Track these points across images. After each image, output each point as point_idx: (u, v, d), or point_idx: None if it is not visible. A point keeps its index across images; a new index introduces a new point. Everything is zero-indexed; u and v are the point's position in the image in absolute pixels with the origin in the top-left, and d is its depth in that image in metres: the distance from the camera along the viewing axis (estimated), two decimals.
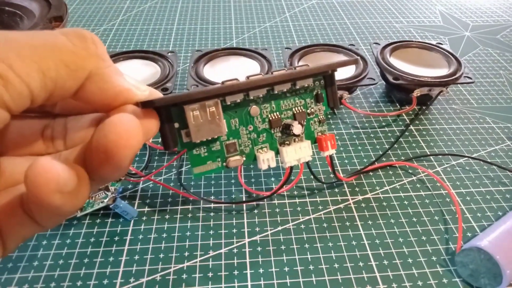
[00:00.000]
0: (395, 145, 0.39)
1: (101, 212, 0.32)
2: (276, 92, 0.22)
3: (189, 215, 0.32)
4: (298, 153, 0.24)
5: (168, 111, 0.19)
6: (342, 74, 0.43)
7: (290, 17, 0.65)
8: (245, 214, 0.32)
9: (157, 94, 0.19)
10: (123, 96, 0.17)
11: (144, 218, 0.31)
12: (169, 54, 0.45)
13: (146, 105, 0.17)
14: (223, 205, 0.33)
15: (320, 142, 0.24)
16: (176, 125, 0.20)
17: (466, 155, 0.38)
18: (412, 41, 0.48)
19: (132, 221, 0.31)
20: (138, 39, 0.58)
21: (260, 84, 0.21)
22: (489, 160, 0.37)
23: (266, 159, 0.23)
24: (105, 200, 0.31)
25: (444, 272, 0.28)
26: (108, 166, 0.15)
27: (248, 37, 0.59)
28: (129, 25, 0.62)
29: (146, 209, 0.32)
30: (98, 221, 0.31)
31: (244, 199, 0.33)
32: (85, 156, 0.16)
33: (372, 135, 0.41)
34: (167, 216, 0.32)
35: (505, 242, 0.27)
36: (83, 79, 0.16)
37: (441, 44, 0.48)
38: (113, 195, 0.32)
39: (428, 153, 0.38)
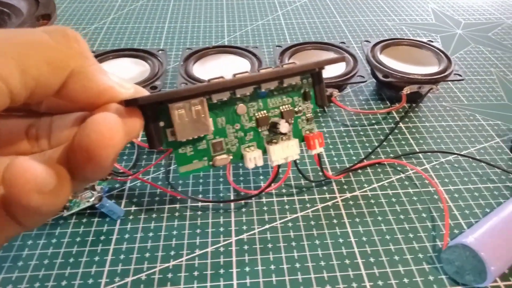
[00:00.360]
0: (384, 143, 0.39)
1: (88, 211, 0.32)
2: (263, 90, 0.22)
3: (176, 214, 0.32)
4: (285, 151, 0.24)
5: (153, 110, 0.19)
6: (332, 72, 0.43)
7: (283, 15, 0.65)
8: (232, 213, 0.32)
9: (143, 92, 0.19)
10: (107, 95, 0.17)
11: (131, 217, 0.31)
12: (159, 52, 0.45)
13: (129, 104, 0.17)
14: (210, 204, 0.32)
15: (308, 141, 0.24)
16: (161, 123, 0.20)
17: (455, 152, 0.38)
18: (403, 38, 0.48)
19: (118, 220, 0.31)
20: (129, 37, 0.58)
21: (247, 82, 0.20)
22: (478, 157, 0.37)
23: (253, 157, 0.23)
24: (91, 200, 0.31)
25: (431, 269, 0.28)
26: (90, 166, 0.15)
27: (240, 35, 0.59)
28: (121, 23, 0.62)
29: (133, 208, 0.32)
30: (84, 220, 0.31)
31: (232, 198, 0.33)
32: (68, 155, 0.16)
33: (361, 133, 0.40)
34: (154, 215, 0.31)
35: (490, 239, 0.27)
36: (65, 77, 0.15)
37: (432, 41, 0.48)
38: (99, 194, 0.32)
39: (417, 151, 0.38)
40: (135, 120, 0.18)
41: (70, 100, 0.16)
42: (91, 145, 0.15)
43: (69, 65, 0.15)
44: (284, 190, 0.34)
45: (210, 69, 0.43)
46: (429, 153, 0.38)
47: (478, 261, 0.25)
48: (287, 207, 0.32)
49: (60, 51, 0.15)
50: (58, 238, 0.30)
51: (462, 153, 0.38)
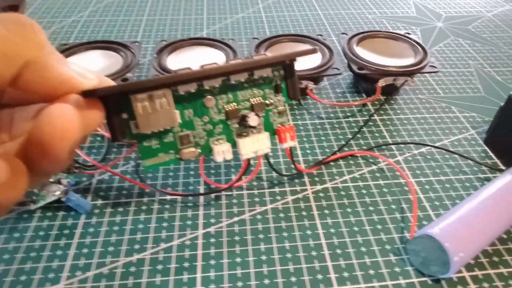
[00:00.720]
0: (358, 135, 0.39)
1: (55, 205, 0.31)
2: (232, 82, 0.21)
3: (144, 207, 0.31)
4: (255, 145, 0.23)
5: (115, 101, 0.18)
6: (307, 64, 0.42)
7: (264, 8, 0.64)
8: (201, 206, 0.31)
9: (108, 82, 0.19)
10: (67, 85, 0.17)
11: (97, 211, 0.31)
12: (133, 44, 0.44)
13: (87, 95, 0.17)
14: (179, 197, 0.32)
15: (279, 134, 0.24)
16: (125, 115, 0.19)
17: (429, 144, 0.38)
18: (380, 31, 0.48)
19: (84, 214, 0.30)
20: (106, 30, 0.57)
21: (214, 73, 0.20)
22: (451, 149, 0.37)
23: (221, 151, 0.22)
24: (57, 193, 0.31)
25: (397, 261, 0.28)
26: (45, 159, 0.15)
27: (219, 28, 0.58)
28: (99, 16, 0.61)
29: (100, 201, 0.32)
30: (49, 214, 0.30)
31: (202, 191, 0.33)
32: (25, 148, 0.15)
33: (336, 126, 0.40)
34: (120, 209, 0.31)
35: (455, 230, 0.27)
36: (18, 67, 0.15)
37: (409, 34, 0.47)
38: (65, 188, 0.31)
39: (390, 142, 0.38)
40: (94, 112, 0.17)
41: (28, 91, 0.16)
42: (45, 138, 0.14)
43: (23, 55, 0.15)
44: (255, 183, 0.34)
45: (184, 61, 0.43)
46: (402, 145, 0.38)
47: (442, 251, 0.25)
48: (257, 199, 0.32)
49: (12, 41, 0.15)
50: (21, 232, 0.29)
51: (435, 144, 0.38)
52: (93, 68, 0.41)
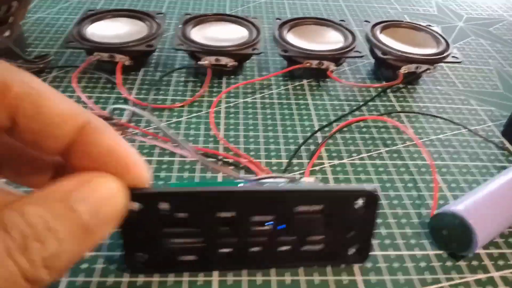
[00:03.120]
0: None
1: None
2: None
3: None
4: None
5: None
6: (330, 45, 0.43)
7: None
8: None
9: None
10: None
11: None
12: (158, 15, 0.44)
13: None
14: None
15: None
16: None
17: (455, 121, 0.38)
18: (402, 21, 0.48)
19: None
20: (132, 2, 0.57)
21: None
22: (472, 131, 0.37)
23: None
24: None
25: (413, 234, 0.28)
26: None
27: (241, 10, 0.59)
28: None
29: None
30: None
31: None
32: None
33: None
34: None
35: (478, 208, 0.26)
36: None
37: (431, 26, 0.47)
38: None
39: (408, 110, 0.38)
40: None
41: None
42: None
43: None
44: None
45: (207, 34, 0.43)
46: (424, 125, 0.38)
47: (466, 229, 0.25)
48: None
49: None
50: None
51: (453, 132, 0.38)
52: (120, 32, 0.41)
